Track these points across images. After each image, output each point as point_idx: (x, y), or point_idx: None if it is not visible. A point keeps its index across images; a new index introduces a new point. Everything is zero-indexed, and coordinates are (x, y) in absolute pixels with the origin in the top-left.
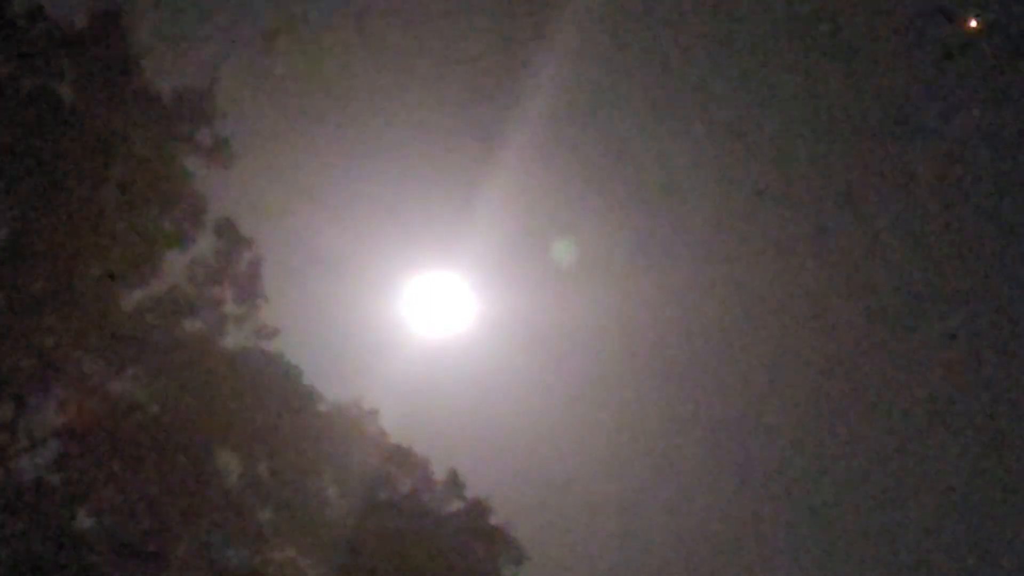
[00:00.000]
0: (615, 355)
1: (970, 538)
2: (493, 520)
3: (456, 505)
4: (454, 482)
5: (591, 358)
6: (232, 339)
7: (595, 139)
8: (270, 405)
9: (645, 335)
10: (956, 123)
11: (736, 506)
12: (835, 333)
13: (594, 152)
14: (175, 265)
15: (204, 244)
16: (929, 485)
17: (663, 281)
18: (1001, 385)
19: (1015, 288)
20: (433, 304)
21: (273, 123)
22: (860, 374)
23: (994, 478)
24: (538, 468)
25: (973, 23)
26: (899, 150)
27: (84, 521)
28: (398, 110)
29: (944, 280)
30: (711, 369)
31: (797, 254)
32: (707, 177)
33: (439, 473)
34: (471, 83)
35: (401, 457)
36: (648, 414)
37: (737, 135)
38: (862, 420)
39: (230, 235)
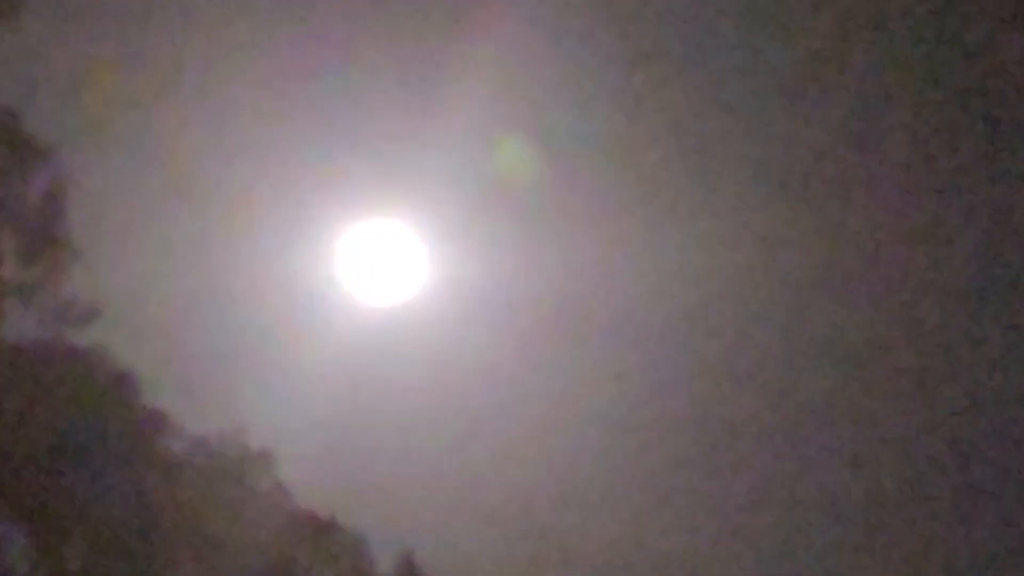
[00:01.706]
0: (598, 324)
1: (970, 539)
2: None
3: None
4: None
5: (574, 329)
6: (14, 324)
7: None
8: (81, 440)
9: (633, 300)
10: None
11: (716, 488)
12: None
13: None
14: None
15: None
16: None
17: (642, 236)
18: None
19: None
20: (374, 262)
21: None
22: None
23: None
24: (512, 475)
25: None
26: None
27: None
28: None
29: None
30: (693, 341)
31: (772, 224)
32: (678, 132)
33: (384, 554)
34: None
35: (316, 533)
36: (642, 409)
37: (706, 86)
38: (841, 409)
39: (12, 139)
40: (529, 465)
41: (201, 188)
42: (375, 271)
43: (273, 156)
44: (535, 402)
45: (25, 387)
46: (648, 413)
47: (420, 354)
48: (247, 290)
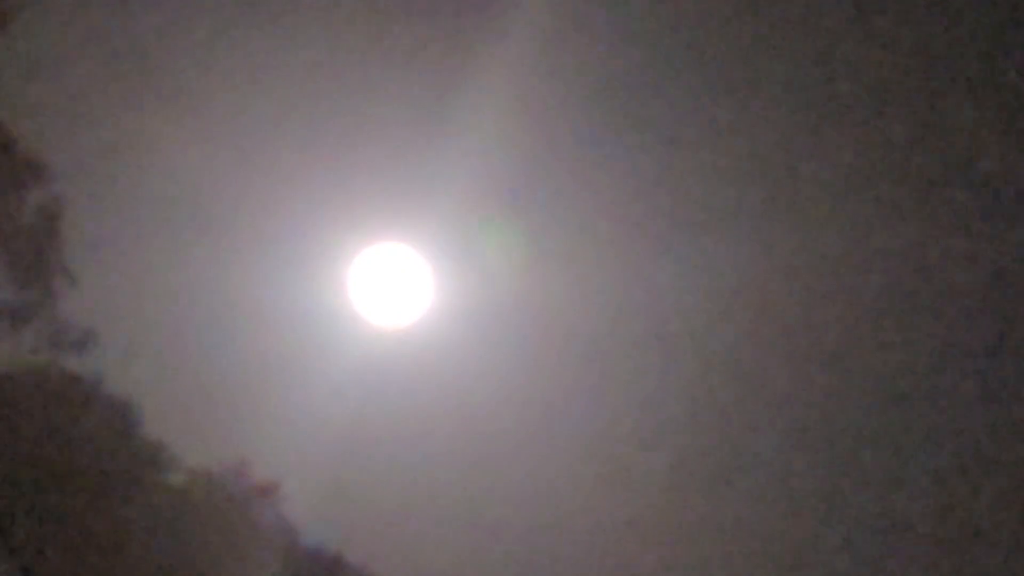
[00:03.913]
0: (606, 344)
1: (968, 538)
2: None
3: None
4: None
5: (581, 349)
6: (6, 350)
7: (575, 111)
8: (75, 473)
9: (642, 323)
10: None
11: (722, 506)
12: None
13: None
14: None
15: None
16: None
17: (647, 258)
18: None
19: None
20: (382, 285)
21: None
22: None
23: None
24: (526, 501)
25: None
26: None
27: None
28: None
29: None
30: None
31: (769, 241)
32: (682, 158)
33: None
34: (438, 17)
35: (322, 571)
36: (653, 426)
37: (709, 117)
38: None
39: (6, 157)
40: (542, 489)
41: (208, 211)
42: (384, 294)
43: (281, 181)
44: (545, 422)
45: (16, 416)
46: (659, 430)
47: (429, 375)
48: (254, 315)
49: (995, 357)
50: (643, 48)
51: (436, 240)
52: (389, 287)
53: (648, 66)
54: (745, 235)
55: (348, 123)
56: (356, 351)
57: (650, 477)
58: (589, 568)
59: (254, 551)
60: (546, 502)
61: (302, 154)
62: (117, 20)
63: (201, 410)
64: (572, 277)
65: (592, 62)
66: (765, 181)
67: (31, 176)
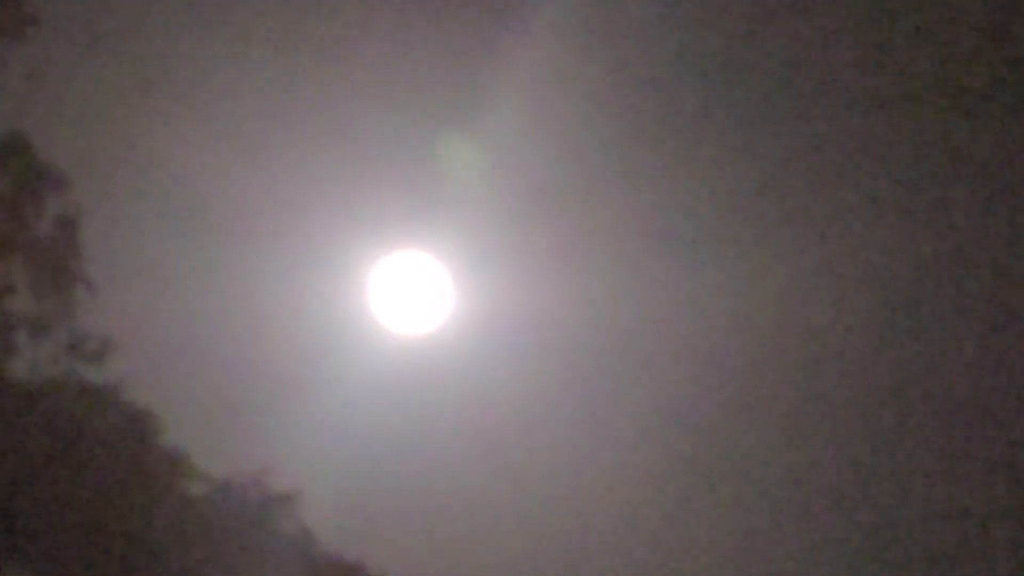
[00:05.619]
0: (624, 350)
1: (964, 539)
2: None
3: None
4: None
5: (600, 355)
6: (25, 362)
7: (590, 120)
8: (94, 485)
9: (658, 331)
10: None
11: (731, 507)
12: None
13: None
14: None
15: None
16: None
17: (668, 273)
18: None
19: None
20: (403, 293)
21: None
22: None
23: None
24: (546, 509)
25: None
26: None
27: None
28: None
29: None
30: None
31: (783, 251)
32: (697, 166)
33: None
34: (457, 25)
35: None
36: (671, 432)
37: (727, 125)
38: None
39: (25, 167)
40: (562, 494)
41: (228, 220)
42: (404, 302)
43: (302, 190)
44: (564, 428)
45: (37, 426)
46: (677, 435)
47: (449, 382)
48: (273, 323)
49: (995, 363)
50: (660, 56)
51: (456, 248)
52: (409, 295)
53: (662, 73)
54: (755, 243)
55: (369, 133)
56: (376, 358)
57: (670, 482)
58: (607, 563)
59: (274, 559)
60: (567, 508)
61: (323, 164)
62: (136, 30)
63: (220, 418)
64: (589, 285)
65: (611, 74)
66: (778, 190)
67: (50, 186)
